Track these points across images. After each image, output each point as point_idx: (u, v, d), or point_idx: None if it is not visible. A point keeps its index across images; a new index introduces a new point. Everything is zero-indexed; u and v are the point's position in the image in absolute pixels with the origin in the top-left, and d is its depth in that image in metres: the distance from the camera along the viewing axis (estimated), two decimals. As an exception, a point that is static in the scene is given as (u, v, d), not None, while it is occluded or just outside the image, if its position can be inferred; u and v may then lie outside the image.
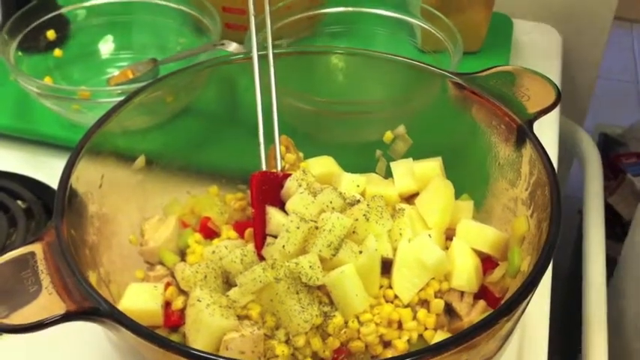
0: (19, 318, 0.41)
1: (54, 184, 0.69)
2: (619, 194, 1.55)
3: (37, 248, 0.44)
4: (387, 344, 0.51)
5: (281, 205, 0.56)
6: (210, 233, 0.59)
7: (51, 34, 0.80)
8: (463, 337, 0.40)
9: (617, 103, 2.09)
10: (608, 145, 1.71)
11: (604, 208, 0.99)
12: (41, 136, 0.75)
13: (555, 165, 0.78)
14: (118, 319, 0.41)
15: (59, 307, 0.41)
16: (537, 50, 0.93)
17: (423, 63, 0.62)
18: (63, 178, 0.49)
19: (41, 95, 0.71)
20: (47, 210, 0.69)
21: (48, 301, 0.42)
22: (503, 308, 0.41)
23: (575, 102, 1.07)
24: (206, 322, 0.48)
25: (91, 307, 0.41)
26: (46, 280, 0.43)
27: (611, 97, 2.02)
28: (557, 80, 0.90)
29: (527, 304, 0.45)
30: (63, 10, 0.81)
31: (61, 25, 0.81)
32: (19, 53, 0.76)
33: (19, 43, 0.77)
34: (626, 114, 2.05)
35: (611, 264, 0.97)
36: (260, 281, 0.49)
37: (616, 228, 1.39)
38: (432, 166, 0.60)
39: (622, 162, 1.60)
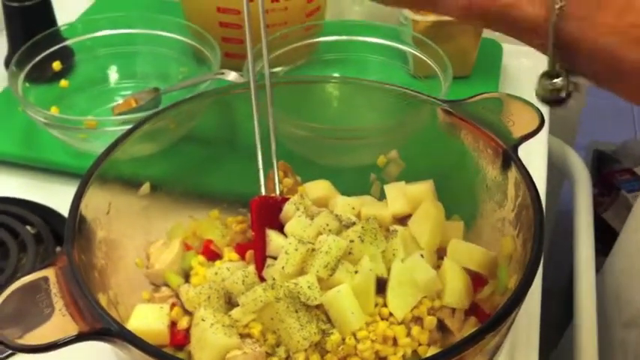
0: (33, 338, 0.43)
1: (62, 209, 0.73)
2: (613, 210, 1.58)
3: (50, 273, 0.47)
4: (382, 360, 0.54)
5: (280, 228, 0.59)
6: (212, 255, 0.62)
7: (57, 65, 0.83)
8: (451, 352, 0.42)
9: (612, 119, 2.11)
10: (602, 162, 1.74)
11: (598, 224, 1.01)
12: (49, 163, 0.78)
13: (544, 184, 0.81)
14: (128, 339, 0.43)
15: (72, 328, 0.43)
16: (526, 73, 0.96)
17: (414, 91, 0.64)
18: (73, 206, 0.52)
19: (48, 125, 0.74)
20: (55, 235, 0.71)
21: (61, 323, 0.44)
22: (489, 324, 0.44)
23: (565, 121, 1.10)
24: (210, 340, 0.51)
25: (103, 327, 0.43)
26: (59, 302, 0.45)
27: (606, 113, 2.04)
28: (545, 102, 0.93)
29: (513, 320, 0.47)
30: (68, 42, 0.84)
31: (67, 56, 0.84)
32: (27, 84, 0.79)
33: (27, 74, 0.79)
34: (620, 130, 2.08)
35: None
36: (261, 301, 0.52)
37: (610, 243, 1.42)
38: (424, 188, 0.63)
39: (616, 178, 1.62)
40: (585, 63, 0.47)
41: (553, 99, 0.49)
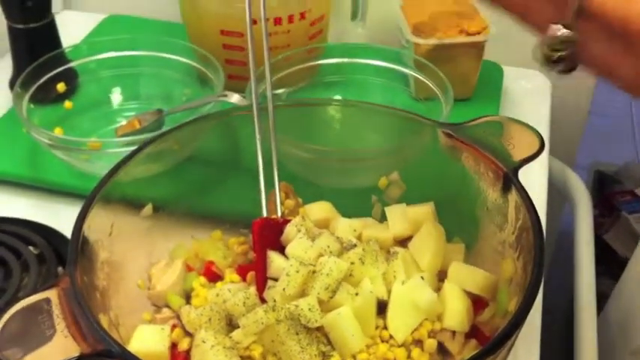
0: (35, 359, 0.44)
1: (64, 229, 0.73)
2: (614, 231, 1.58)
3: (52, 294, 0.47)
4: (383, 382, 0.54)
5: (281, 250, 0.59)
6: (214, 276, 0.62)
7: (61, 87, 0.83)
8: (451, 375, 0.42)
9: (613, 140, 2.12)
10: (603, 183, 1.74)
11: (600, 245, 1.01)
12: (52, 184, 0.78)
13: (544, 206, 0.82)
14: (130, 361, 0.43)
15: (74, 350, 0.44)
16: (527, 96, 0.97)
17: (416, 114, 0.65)
18: (76, 227, 0.52)
19: (52, 146, 0.74)
20: (58, 255, 0.71)
21: (63, 344, 0.44)
22: (489, 348, 0.44)
23: (566, 143, 1.11)
24: (211, 362, 0.51)
25: (104, 349, 0.44)
26: (61, 324, 0.45)
27: (607, 134, 2.05)
28: (546, 124, 0.94)
29: (513, 343, 0.47)
30: (72, 64, 0.85)
31: (71, 77, 0.85)
32: (31, 106, 0.79)
33: (31, 96, 0.80)
34: (621, 151, 2.09)
35: (606, 301, 0.99)
36: (262, 323, 0.52)
37: (611, 265, 1.42)
38: (425, 210, 0.63)
39: (617, 199, 1.62)
40: (598, 32, 0.47)
41: (553, 58, 0.49)
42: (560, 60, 0.49)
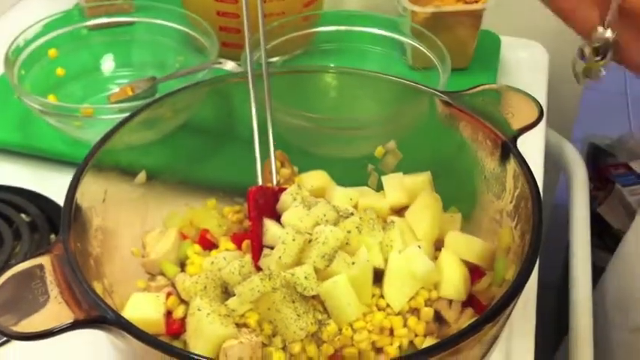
0: (29, 326, 0.43)
1: (56, 197, 0.72)
2: (608, 204, 1.58)
3: (45, 260, 0.46)
4: (379, 350, 0.53)
5: (277, 218, 0.58)
6: (208, 245, 0.62)
7: (53, 53, 0.82)
8: (448, 343, 0.42)
9: (607, 114, 2.12)
10: (597, 156, 1.74)
11: (594, 218, 1.01)
12: (44, 151, 0.78)
13: (541, 177, 0.81)
14: (125, 327, 0.43)
15: (67, 316, 0.43)
16: (524, 66, 0.96)
17: (413, 81, 0.64)
18: (69, 194, 0.51)
19: (44, 113, 0.73)
20: (50, 222, 0.71)
21: (57, 310, 0.44)
22: (487, 316, 0.44)
23: (562, 115, 1.10)
24: (206, 330, 0.50)
25: (99, 315, 0.43)
26: (54, 290, 0.45)
27: (601, 107, 2.05)
28: (543, 95, 0.93)
29: (510, 312, 0.47)
30: (65, 30, 0.83)
31: (63, 44, 0.84)
32: (23, 72, 0.78)
33: (23, 62, 0.79)
34: (615, 124, 2.09)
35: (600, 274, 1.00)
36: (258, 291, 0.51)
37: (605, 238, 1.42)
38: (422, 179, 0.62)
39: (611, 172, 1.62)
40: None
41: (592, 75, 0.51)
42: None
